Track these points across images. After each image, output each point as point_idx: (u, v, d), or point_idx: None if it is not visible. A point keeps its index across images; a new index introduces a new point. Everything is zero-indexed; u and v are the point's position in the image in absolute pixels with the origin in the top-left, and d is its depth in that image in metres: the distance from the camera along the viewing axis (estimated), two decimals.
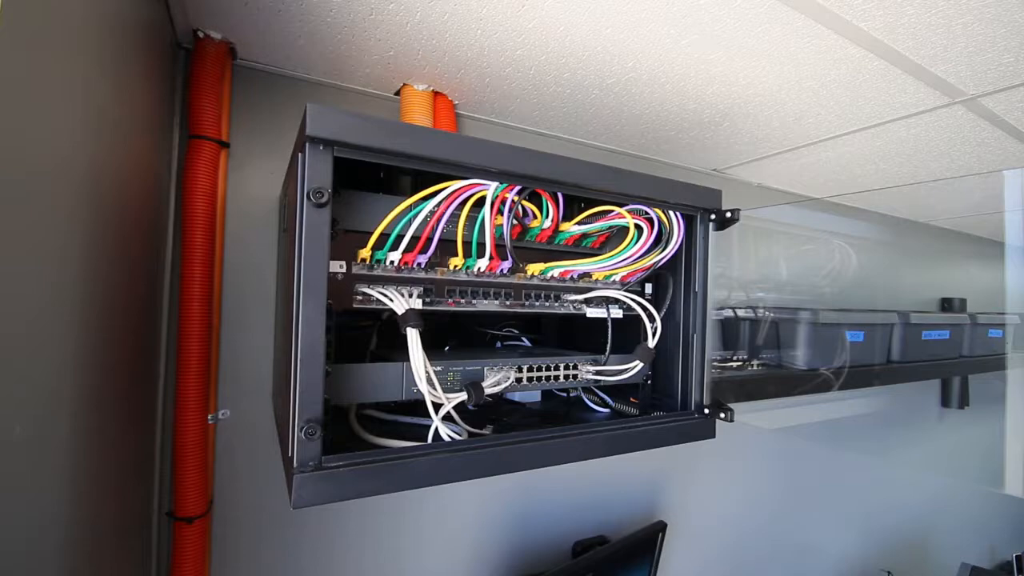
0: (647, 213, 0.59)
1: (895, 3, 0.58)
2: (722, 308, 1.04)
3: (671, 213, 0.60)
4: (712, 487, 1.27)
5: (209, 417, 0.70)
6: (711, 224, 0.65)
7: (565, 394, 0.76)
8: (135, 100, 0.53)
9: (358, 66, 0.75)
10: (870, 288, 1.64)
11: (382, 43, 0.68)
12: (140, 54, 0.54)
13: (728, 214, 0.64)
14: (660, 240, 0.61)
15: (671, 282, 0.64)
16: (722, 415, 0.61)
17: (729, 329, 1.06)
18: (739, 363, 1.01)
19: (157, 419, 0.68)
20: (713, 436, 0.62)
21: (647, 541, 1.02)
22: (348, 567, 0.83)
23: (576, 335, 0.81)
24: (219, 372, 0.72)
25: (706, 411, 0.62)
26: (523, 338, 0.81)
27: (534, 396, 0.76)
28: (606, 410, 0.70)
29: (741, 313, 1.06)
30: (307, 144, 0.41)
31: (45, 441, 0.36)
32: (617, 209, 0.57)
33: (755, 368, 1.00)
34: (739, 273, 1.15)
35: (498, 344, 0.80)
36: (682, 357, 0.64)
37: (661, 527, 1.04)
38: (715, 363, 1.01)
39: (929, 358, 1.30)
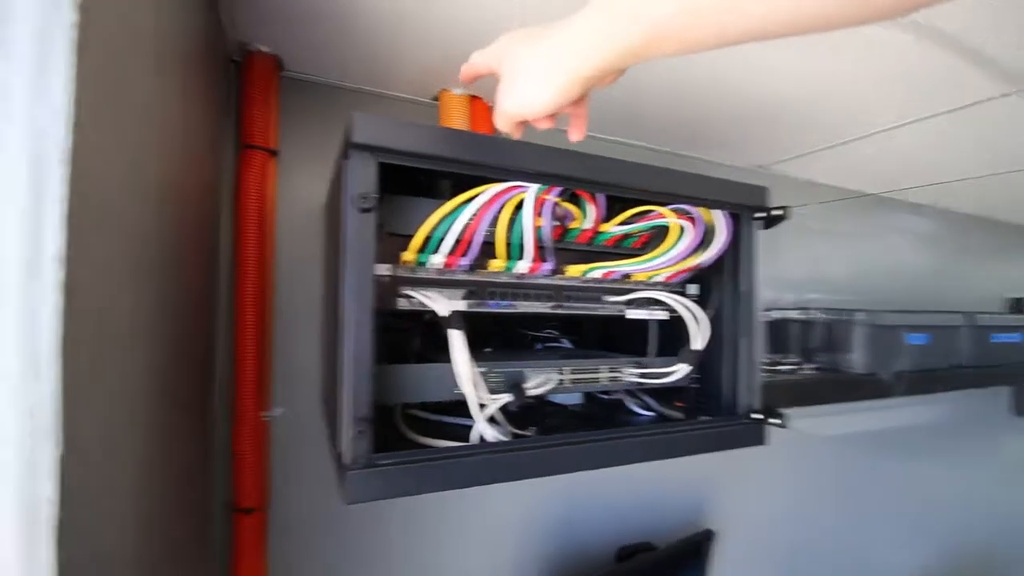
0: (691, 212, 0.57)
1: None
2: (771, 309, 1.00)
3: (716, 212, 0.59)
4: (763, 496, 1.22)
5: (263, 415, 0.73)
6: (758, 223, 0.63)
7: (607, 396, 0.75)
8: (195, 114, 0.56)
9: (398, 73, 0.77)
10: (932, 288, 1.54)
11: (422, 50, 0.70)
12: (200, 70, 0.57)
13: (777, 212, 0.62)
14: (705, 240, 0.59)
15: (717, 283, 0.63)
16: (773, 420, 0.58)
17: (779, 331, 1.01)
18: (791, 367, 0.96)
19: (216, 416, 0.72)
20: (763, 442, 0.59)
21: (695, 549, 0.99)
22: (392, 561, 0.85)
23: (618, 337, 0.79)
24: (272, 372, 0.75)
25: (756, 416, 0.59)
26: (563, 340, 0.80)
27: (575, 398, 0.75)
28: (650, 413, 0.69)
29: (792, 315, 1.01)
30: (352, 151, 0.42)
31: (128, 436, 0.39)
32: (659, 209, 0.56)
33: (808, 372, 0.95)
34: (789, 273, 1.10)
35: (538, 346, 0.80)
36: (729, 360, 0.62)
37: (709, 535, 1.00)
38: (764, 367, 0.98)
39: (999, 362, 1.21)
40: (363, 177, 0.42)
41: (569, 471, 0.50)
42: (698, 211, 0.57)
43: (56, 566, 0.26)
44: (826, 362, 1.00)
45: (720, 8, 0.28)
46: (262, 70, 0.71)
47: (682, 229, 0.56)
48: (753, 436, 0.59)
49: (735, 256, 0.63)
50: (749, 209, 0.62)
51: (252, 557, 0.71)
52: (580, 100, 0.39)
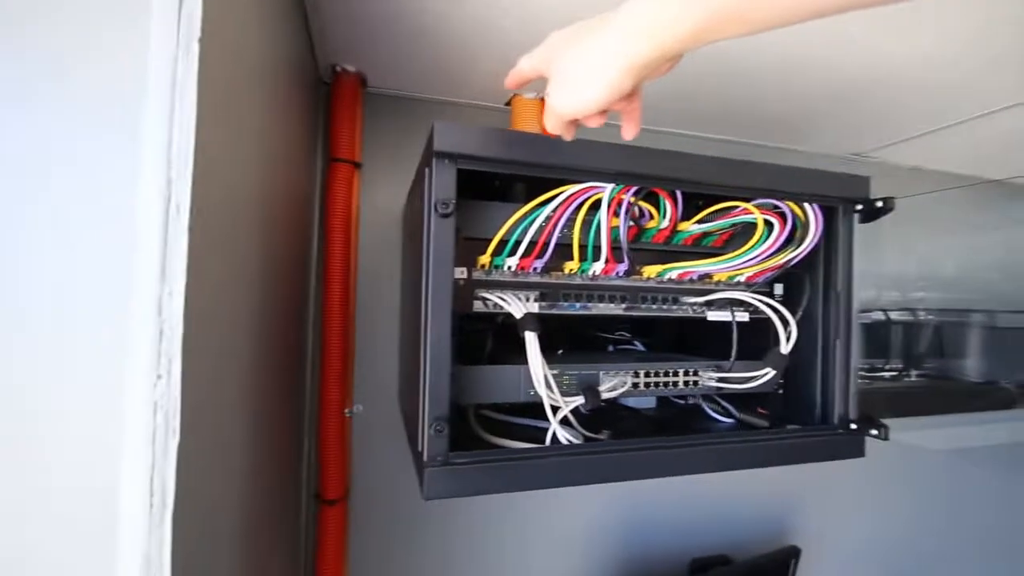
0: (778, 207, 0.54)
1: None
2: (868, 310, 0.91)
3: (807, 206, 0.55)
4: (857, 514, 1.12)
5: (346, 411, 0.78)
6: (857, 216, 0.58)
7: (683, 401, 0.72)
8: (291, 131, 0.61)
9: (471, 81, 0.79)
10: None
11: (493, 57, 0.71)
12: (295, 92, 0.62)
13: (879, 203, 0.57)
14: (794, 236, 0.55)
15: (807, 282, 0.58)
16: (874, 431, 0.53)
17: (878, 334, 0.92)
18: (893, 373, 0.87)
19: (305, 412, 0.77)
20: (862, 455, 0.55)
21: (777, 567, 0.93)
22: (461, 557, 0.87)
23: (693, 339, 0.76)
24: (355, 371, 0.80)
25: (853, 426, 0.55)
26: (636, 342, 0.78)
27: (649, 402, 0.73)
28: (729, 420, 0.66)
29: (895, 316, 0.91)
30: (434, 159, 0.44)
31: (236, 429, 0.43)
32: (742, 204, 0.53)
33: (913, 379, 0.86)
34: (891, 269, 0.99)
35: (610, 348, 0.79)
36: (822, 365, 0.57)
37: (794, 552, 0.94)
38: (861, 373, 0.89)
39: None
40: (444, 183, 0.44)
41: (645, 477, 0.49)
42: (787, 205, 0.53)
43: (172, 536, 0.29)
44: (935, 368, 0.89)
45: None
46: (349, 88, 0.76)
47: (768, 225, 0.53)
48: (850, 448, 0.55)
49: (828, 253, 0.58)
50: (847, 201, 0.57)
51: (335, 545, 0.76)
52: (632, 94, 0.37)
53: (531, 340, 0.47)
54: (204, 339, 0.34)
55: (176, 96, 0.31)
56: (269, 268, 0.53)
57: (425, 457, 0.44)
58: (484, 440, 0.54)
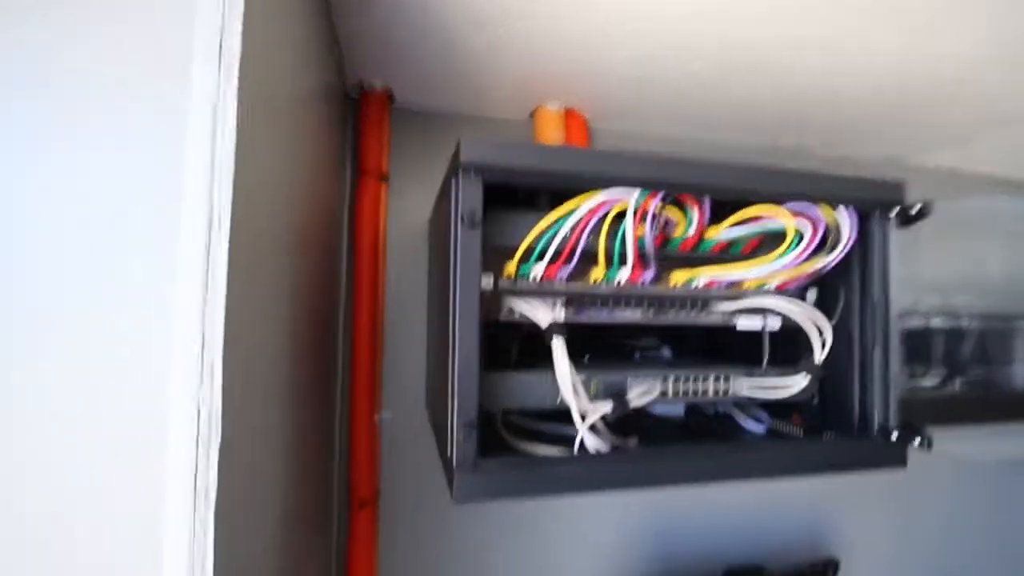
0: (808, 213, 0.53)
1: None
2: (906, 315, 0.87)
3: (840, 210, 0.54)
4: (898, 528, 1.07)
5: (375, 417, 0.79)
6: (893, 221, 0.56)
7: (714, 410, 0.71)
8: (321, 148, 0.63)
9: (495, 95, 0.81)
10: None
11: (517, 72, 0.73)
12: (324, 108, 0.64)
13: (915, 208, 0.55)
14: (826, 242, 0.54)
15: (841, 289, 0.57)
16: (917, 441, 0.52)
17: (918, 341, 0.88)
18: (935, 382, 0.83)
19: (336, 418, 0.79)
20: (903, 465, 0.53)
21: None
22: (489, 563, 0.87)
23: (722, 347, 0.75)
24: (383, 379, 0.81)
25: (894, 436, 0.53)
26: (663, 349, 0.77)
27: (677, 410, 0.72)
28: (761, 428, 0.64)
29: (936, 322, 0.87)
30: (460, 171, 0.45)
31: (271, 434, 0.44)
32: (772, 210, 0.52)
33: (957, 388, 0.82)
34: (931, 274, 0.95)
35: (636, 355, 0.78)
36: (860, 373, 0.56)
37: (832, 565, 0.91)
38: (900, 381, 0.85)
39: None
40: (471, 195, 0.45)
41: (676, 484, 0.48)
42: (818, 211, 0.52)
43: (214, 536, 0.31)
44: (980, 376, 0.85)
45: None
46: (376, 104, 0.78)
47: (799, 232, 0.52)
48: (891, 457, 0.53)
49: (864, 258, 0.57)
50: (881, 206, 0.56)
51: (365, 548, 0.77)
52: None
53: (558, 346, 0.48)
54: (243, 346, 0.35)
55: (218, 116, 0.33)
56: (302, 278, 0.55)
57: (455, 462, 0.45)
58: (512, 446, 0.54)
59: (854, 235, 0.53)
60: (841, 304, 0.56)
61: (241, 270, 0.34)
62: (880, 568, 1.06)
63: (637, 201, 0.49)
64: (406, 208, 0.84)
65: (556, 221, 0.50)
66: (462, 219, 0.45)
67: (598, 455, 0.48)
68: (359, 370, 0.76)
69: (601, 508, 0.92)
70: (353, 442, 0.77)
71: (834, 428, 0.58)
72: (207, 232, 0.32)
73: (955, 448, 1.01)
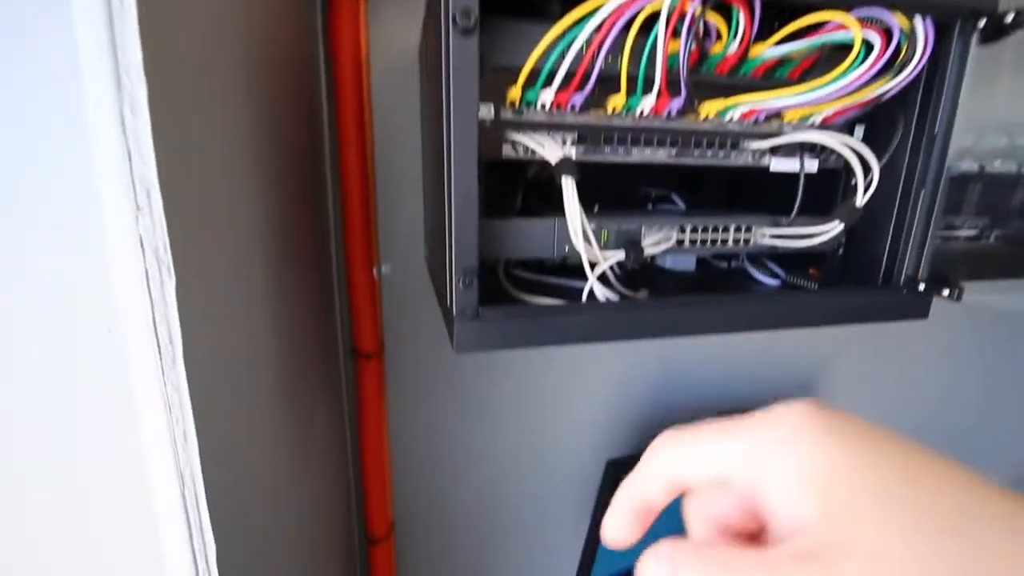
0: (882, 21, 0.43)
1: None
2: (960, 156, 0.77)
3: (917, 19, 0.43)
4: (893, 373, 1.12)
5: (373, 271, 0.76)
6: (976, 35, 0.46)
7: (727, 264, 0.68)
8: None
9: None
10: None
11: None
12: None
13: (1008, 18, 0.45)
14: (893, 62, 0.45)
15: (900, 120, 0.49)
16: (946, 292, 0.48)
17: (961, 188, 0.79)
18: (972, 232, 0.77)
19: (333, 271, 0.76)
20: (925, 316, 0.51)
21: None
22: (494, 412, 0.92)
23: (743, 197, 0.69)
24: (379, 231, 0.77)
25: (921, 286, 0.50)
26: (675, 199, 0.71)
27: (688, 264, 0.69)
28: (775, 282, 0.62)
29: (997, 165, 0.76)
30: None
31: (255, 283, 0.41)
32: (839, 16, 0.42)
33: (992, 241, 0.76)
34: (1003, 110, 0.81)
35: (648, 206, 0.73)
36: (896, 219, 0.50)
37: None
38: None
39: None
40: None
41: (687, 334, 0.46)
42: (895, 18, 0.42)
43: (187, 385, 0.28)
44: (1021, 229, 0.78)
45: None
46: None
47: (867, 43, 0.43)
48: (914, 308, 0.50)
49: (930, 84, 0.48)
50: (966, 15, 0.45)
51: (374, 396, 0.80)
52: None
53: (568, 186, 0.42)
54: (204, 202, 0.30)
55: None
56: (271, 118, 0.47)
57: (455, 311, 0.42)
58: (515, 298, 0.52)
59: (930, 50, 0.44)
60: (896, 140, 0.49)
61: (185, 117, 0.27)
62: (871, 412, 1.13)
63: (672, 2, 0.39)
64: (390, 29, 0.72)
65: (570, 28, 0.40)
66: (454, 21, 0.36)
67: (607, 303, 0.46)
68: (352, 221, 0.71)
69: (603, 360, 0.95)
70: (352, 293, 0.75)
71: (856, 280, 0.55)
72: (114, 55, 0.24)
73: (977, 299, 0.95)
